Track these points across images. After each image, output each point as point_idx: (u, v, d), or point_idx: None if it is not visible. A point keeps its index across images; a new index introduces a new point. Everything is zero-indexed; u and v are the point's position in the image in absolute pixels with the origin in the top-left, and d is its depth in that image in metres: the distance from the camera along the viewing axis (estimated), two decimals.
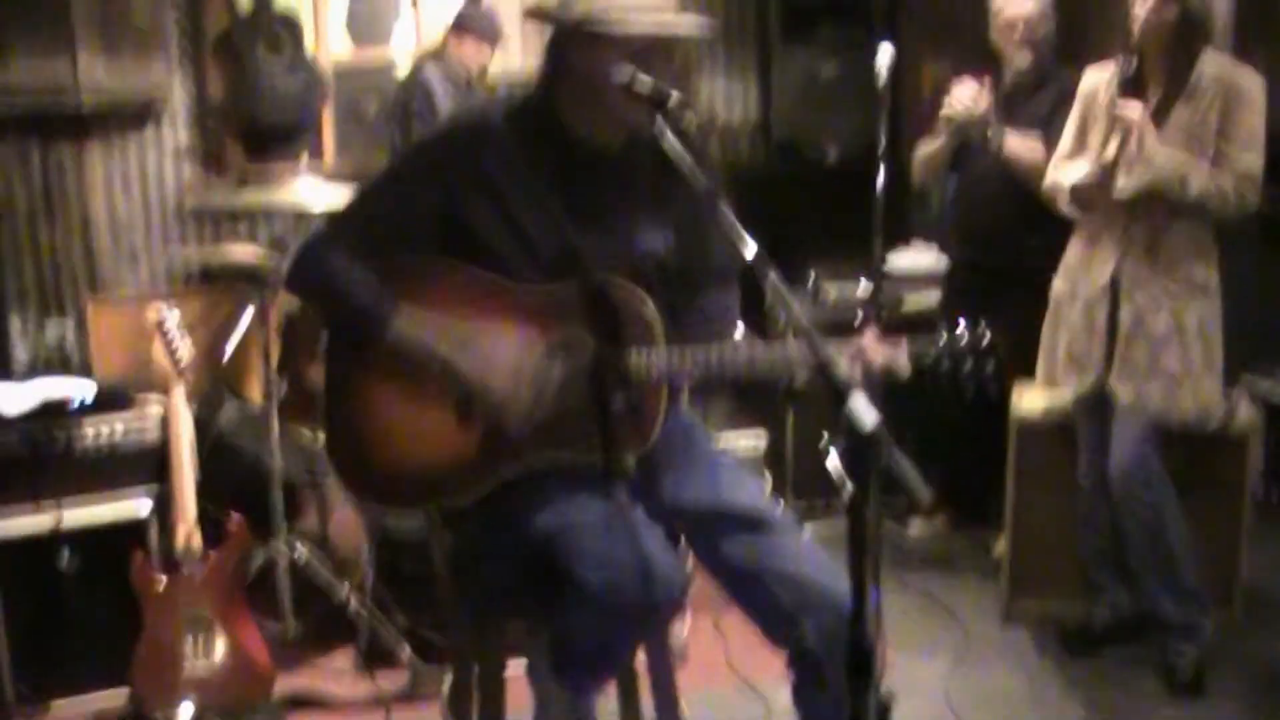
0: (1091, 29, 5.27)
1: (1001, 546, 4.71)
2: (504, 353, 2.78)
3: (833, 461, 1.92)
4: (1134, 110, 3.80)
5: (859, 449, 1.88)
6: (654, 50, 2.70)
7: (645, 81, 2.62)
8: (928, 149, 4.88)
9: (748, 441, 4.85)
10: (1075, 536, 4.33)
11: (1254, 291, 4.67)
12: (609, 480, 2.77)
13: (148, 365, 3.80)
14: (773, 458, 4.98)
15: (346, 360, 2.84)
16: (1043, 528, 4.46)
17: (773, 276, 2.27)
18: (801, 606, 2.70)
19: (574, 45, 2.75)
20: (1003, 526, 4.60)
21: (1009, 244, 4.75)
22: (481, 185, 2.80)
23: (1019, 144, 4.60)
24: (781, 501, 4.92)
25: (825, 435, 1.94)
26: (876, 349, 2.74)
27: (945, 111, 4.66)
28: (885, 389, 3.37)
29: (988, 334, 2.81)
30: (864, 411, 1.88)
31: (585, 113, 2.80)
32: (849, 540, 1.95)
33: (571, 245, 2.81)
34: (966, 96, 4.61)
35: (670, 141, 2.54)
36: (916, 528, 5.34)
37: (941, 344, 2.81)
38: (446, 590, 3.02)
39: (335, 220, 2.91)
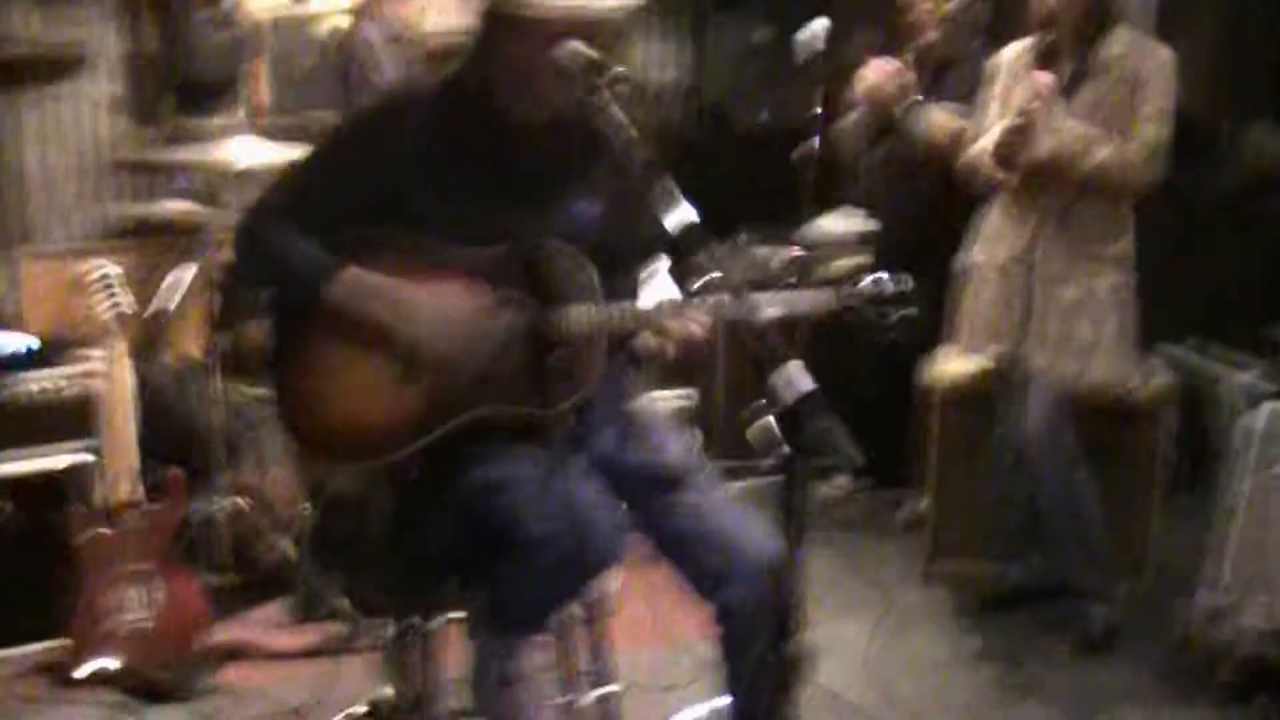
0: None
1: (911, 508, 4.86)
2: (443, 309, 2.83)
3: (762, 426, 2.02)
4: (1045, 81, 3.91)
5: (794, 415, 1.97)
6: (581, 25, 2.75)
7: (584, 56, 2.66)
8: (845, 122, 5.00)
9: (677, 400, 4.92)
10: (992, 501, 4.45)
11: (1168, 262, 4.81)
12: (547, 434, 2.85)
13: (83, 320, 3.85)
14: (702, 415, 5.07)
15: (290, 322, 2.89)
16: (961, 491, 4.58)
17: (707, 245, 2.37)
18: (728, 565, 2.82)
19: (503, 23, 2.79)
20: (915, 488, 4.72)
21: (925, 223, 4.88)
22: (414, 159, 2.85)
23: (940, 118, 4.70)
24: (709, 459, 5.00)
25: (756, 404, 2.02)
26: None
27: (859, 87, 4.83)
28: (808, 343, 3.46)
29: (910, 282, 2.91)
30: (799, 378, 1.98)
31: (519, 88, 2.84)
32: (782, 504, 2.04)
33: (504, 216, 2.88)
34: (879, 74, 4.75)
35: (609, 115, 2.59)
36: (829, 487, 5.40)
37: (863, 289, 2.90)
38: (385, 547, 3.10)
39: (272, 192, 2.97)
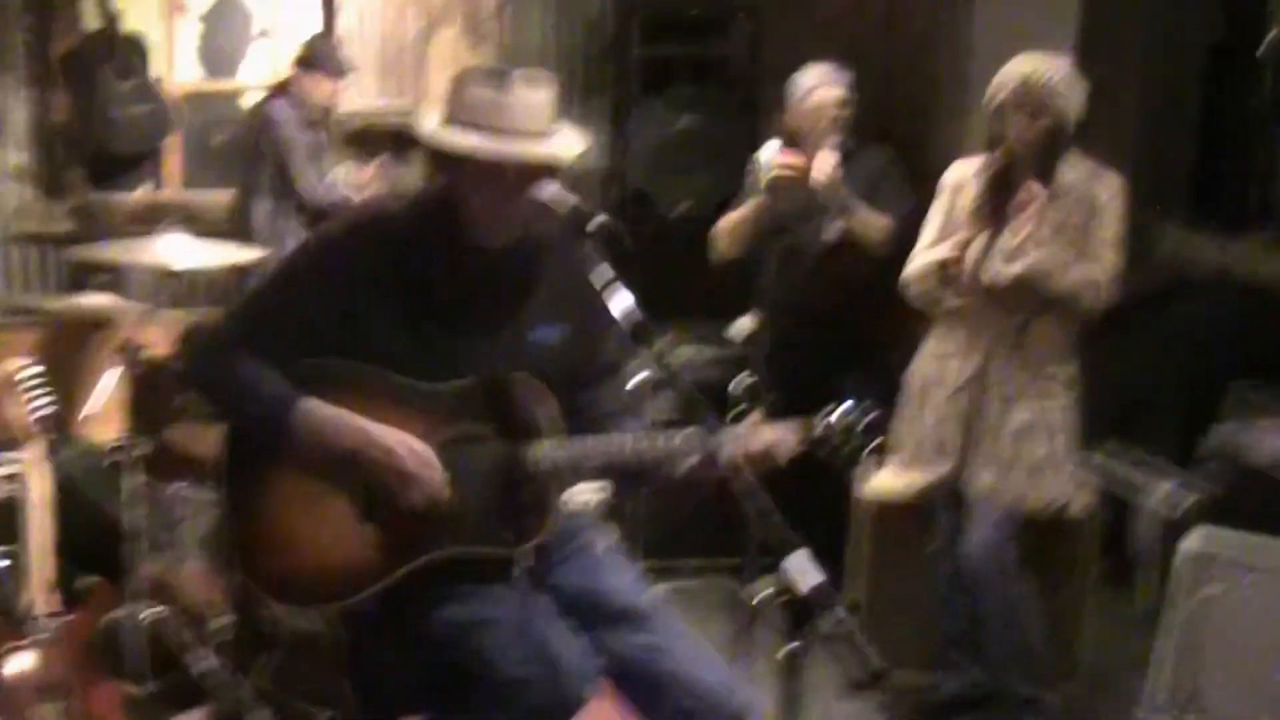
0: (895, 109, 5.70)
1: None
2: (407, 445, 2.77)
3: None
4: (1038, 192, 3.93)
5: (800, 608, 1.93)
6: (544, 170, 2.76)
7: (566, 200, 2.68)
8: (737, 216, 4.97)
9: (593, 493, 4.79)
10: (925, 611, 4.43)
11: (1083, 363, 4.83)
12: (513, 573, 2.82)
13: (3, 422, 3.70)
14: (619, 512, 4.98)
15: (249, 456, 2.82)
16: (893, 602, 4.55)
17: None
18: (695, 711, 2.79)
19: (466, 165, 2.76)
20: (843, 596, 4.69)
21: (847, 321, 4.94)
22: (376, 282, 2.81)
23: (869, 216, 4.72)
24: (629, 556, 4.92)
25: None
26: (757, 436, 2.82)
27: (774, 174, 4.70)
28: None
29: (875, 411, 2.89)
30: (804, 571, 1.94)
31: (491, 220, 2.82)
32: (782, 692, 2.00)
33: (467, 342, 2.85)
34: (821, 165, 4.69)
35: (592, 262, 2.61)
36: (758, 590, 5.31)
37: (830, 421, 2.87)
38: (343, 682, 3.02)
39: (234, 317, 2.93)
